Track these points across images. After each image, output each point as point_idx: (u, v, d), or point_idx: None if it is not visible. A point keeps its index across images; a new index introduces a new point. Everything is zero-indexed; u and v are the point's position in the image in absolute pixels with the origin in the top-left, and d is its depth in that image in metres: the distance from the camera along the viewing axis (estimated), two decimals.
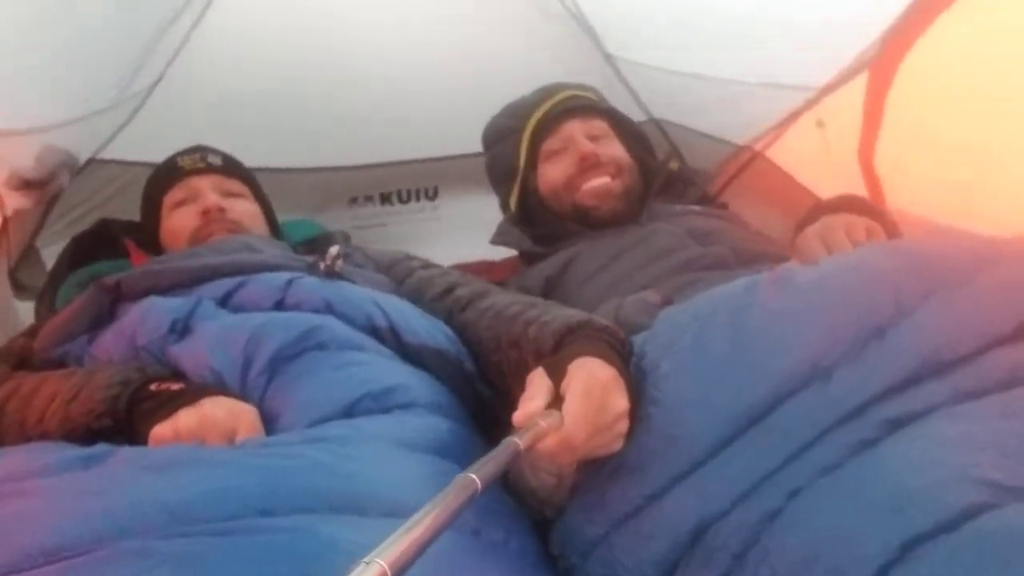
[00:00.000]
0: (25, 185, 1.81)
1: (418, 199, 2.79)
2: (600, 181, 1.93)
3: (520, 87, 2.19)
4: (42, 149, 1.84)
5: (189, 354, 1.25)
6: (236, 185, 1.92)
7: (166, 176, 1.90)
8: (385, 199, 2.76)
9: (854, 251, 1.24)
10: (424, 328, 1.38)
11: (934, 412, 0.93)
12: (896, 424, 0.93)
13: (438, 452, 1.08)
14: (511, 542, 0.97)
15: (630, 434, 1.03)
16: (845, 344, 1.01)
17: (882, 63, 1.66)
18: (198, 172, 1.87)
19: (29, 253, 2.17)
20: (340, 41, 2.40)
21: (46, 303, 1.85)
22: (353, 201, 2.75)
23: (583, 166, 1.93)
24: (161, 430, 1.06)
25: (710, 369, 1.03)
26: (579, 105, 2.04)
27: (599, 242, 1.82)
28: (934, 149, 1.63)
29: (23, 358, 1.42)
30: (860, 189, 1.81)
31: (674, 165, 2.15)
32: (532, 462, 1.14)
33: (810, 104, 1.95)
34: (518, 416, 0.96)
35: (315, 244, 1.88)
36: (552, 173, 2.00)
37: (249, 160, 2.03)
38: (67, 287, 1.82)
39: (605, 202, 1.92)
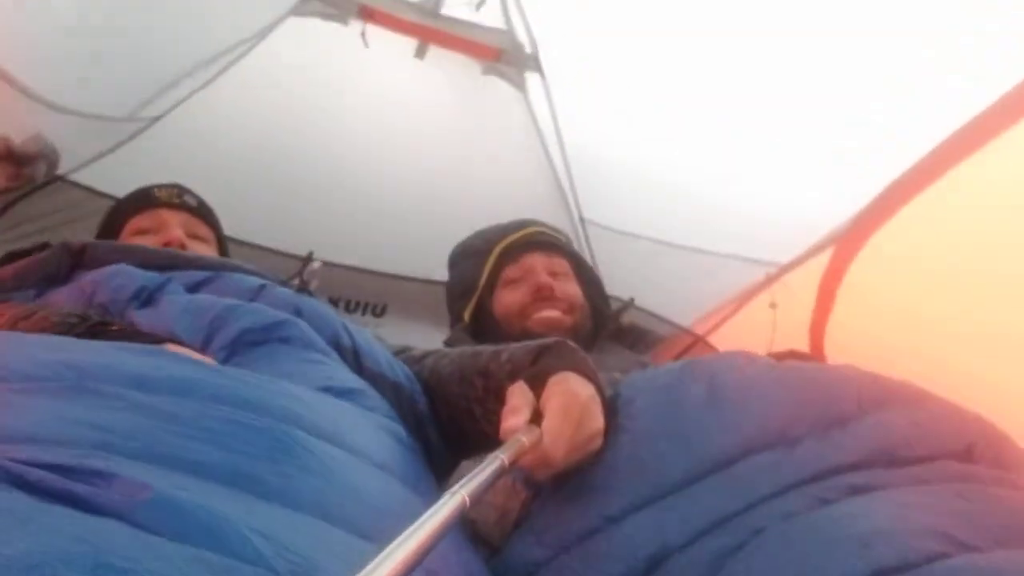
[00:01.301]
0: (7, 155, 1.77)
1: (364, 313, 2.80)
2: (552, 313, 1.99)
3: None
4: (31, 136, 1.83)
5: (149, 321, 1.20)
6: (204, 230, 1.88)
7: (137, 201, 1.86)
8: (332, 303, 2.75)
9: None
10: (386, 360, 1.35)
11: (893, 487, 0.96)
12: (857, 490, 0.96)
13: (403, 443, 1.04)
14: None
15: (598, 456, 1.02)
16: (810, 422, 1.05)
17: (844, 246, 1.82)
18: (171, 206, 1.83)
19: None
20: (332, 136, 2.50)
21: None
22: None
23: (537, 296, 2.00)
24: None
25: (684, 411, 1.06)
26: (546, 241, 2.15)
27: None
28: (884, 339, 1.75)
29: None
30: None
31: (626, 320, 2.23)
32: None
33: (766, 283, 2.09)
34: (502, 430, 0.95)
35: None
36: (508, 298, 2.06)
37: None
38: None
39: (553, 333, 1.95)
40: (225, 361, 1.15)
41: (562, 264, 2.13)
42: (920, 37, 1.56)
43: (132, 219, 1.81)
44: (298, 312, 1.33)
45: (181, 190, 1.90)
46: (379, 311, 2.80)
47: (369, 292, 2.78)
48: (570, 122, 2.53)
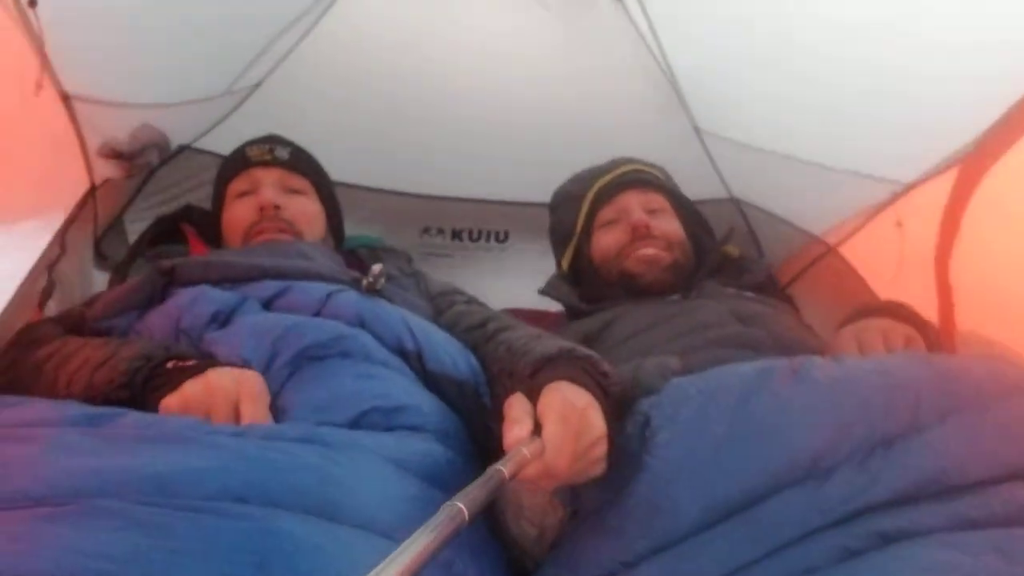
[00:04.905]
0: (115, 155, 1.91)
1: (488, 240, 2.83)
2: (649, 251, 1.94)
3: (605, 148, 2.23)
4: (138, 126, 1.96)
5: (224, 343, 1.30)
6: (299, 181, 1.94)
7: (232, 165, 1.96)
8: (456, 235, 2.81)
9: (882, 356, 1.21)
10: (450, 357, 1.39)
11: (927, 535, 0.90)
12: (886, 539, 0.90)
13: (429, 479, 1.08)
14: None
15: (617, 494, 1.02)
16: (852, 445, 0.99)
17: (970, 168, 1.63)
18: (263, 164, 1.91)
19: (116, 226, 2.28)
20: (439, 74, 2.48)
21: (120, 276, 1.91)
22: (425, 231, 2.81)
23: (634, 235, 1.95)
24: (169, 401, 1.10)
25: (706, 447, 1.02)
26: (639, 179, 2.07)
27: (641, 308, 1.81)
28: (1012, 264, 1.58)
29: (77, 324, 1.46)
30: (932, 296, 1.76)
31: (733, 250, 2.14)
32: (516, 510, 1.14)
33: (892, 200, 1.92)
34: (506, 442, 0.97)
35: (376, 254, 1.96)
36: (605, 240, 2.02)
37: (331, 172, 2.08)
38: (139, 264, 1.91)
39: (651, 270, 1.92)
40: (287, 379, 1.25)
41: (658, 200, 2.06)
42: None
43: (231, 183, 1.93)
44: (362, 322, 1.39)
45: (273, 145, 1.96)
46: (502, 237, 2.83)
47: (491, 221, 2.81)
48: (680, 34, 2.35)
